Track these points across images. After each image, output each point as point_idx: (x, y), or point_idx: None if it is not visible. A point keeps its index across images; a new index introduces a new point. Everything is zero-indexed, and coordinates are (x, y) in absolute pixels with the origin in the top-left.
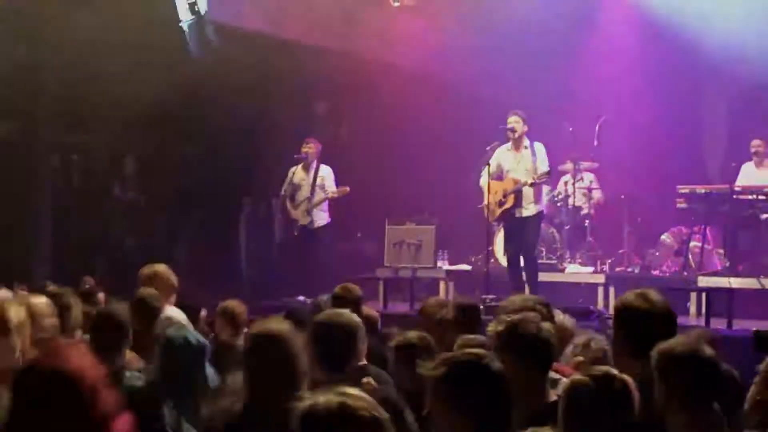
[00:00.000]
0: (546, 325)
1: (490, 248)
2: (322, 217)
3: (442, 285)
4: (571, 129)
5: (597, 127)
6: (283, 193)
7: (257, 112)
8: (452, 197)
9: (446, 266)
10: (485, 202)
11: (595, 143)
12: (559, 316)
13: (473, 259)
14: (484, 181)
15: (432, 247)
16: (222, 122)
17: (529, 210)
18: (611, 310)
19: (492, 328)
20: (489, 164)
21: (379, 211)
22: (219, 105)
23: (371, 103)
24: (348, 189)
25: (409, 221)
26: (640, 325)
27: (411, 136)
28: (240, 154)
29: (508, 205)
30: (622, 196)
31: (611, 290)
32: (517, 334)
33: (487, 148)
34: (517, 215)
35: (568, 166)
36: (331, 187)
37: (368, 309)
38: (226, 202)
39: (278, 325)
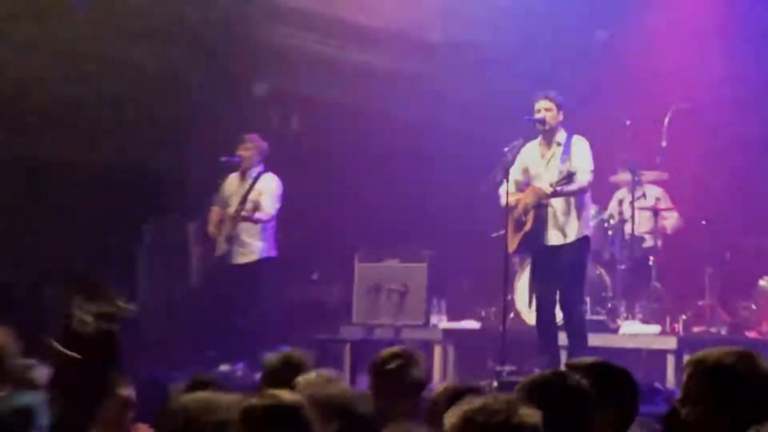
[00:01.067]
0: None
1: (510, 296)
2: (255, 249)
3: (437, 351)
4: (628, 122)
5: (666, 121)
6: (213, 207)
7: (167, 100)
8: (453, 221)
9: (444, 323)
10: (507, 226)
11: (663, 144)
12: None
13: (484, 313)
14: (502, 191)
15: (423, 295)
16: (109, 115)
17: (563, 234)
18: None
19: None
20: (508, 170)
21: (346, 241)
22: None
23: (335, 84)
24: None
25: (390, 257)
26: (744, 394)
27: (392, 133)
28: (138, 160)
29: (526, 228)
30: (704, 222)
31: (686, 360)
32: None
33: (505, 149)
34: (546, 242)
35: (624, 176)
36: (268, 205)
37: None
38: (118, 229)
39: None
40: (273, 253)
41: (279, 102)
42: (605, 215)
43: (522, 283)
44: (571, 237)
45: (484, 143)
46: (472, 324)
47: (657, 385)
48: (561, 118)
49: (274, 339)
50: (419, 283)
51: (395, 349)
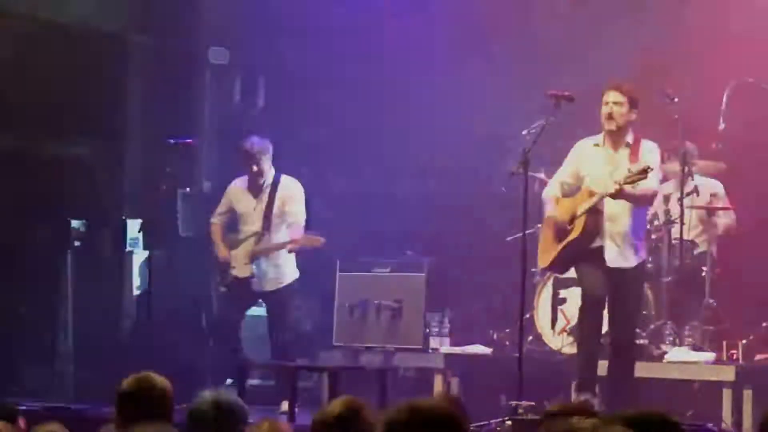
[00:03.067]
0: None
1: (528, 315)
2: (286, 273)
3: (438, 381)
4: (676, 99)
5: (725, 98)
6: (214, 221)
7: (104, 68)
8: (458, 222)
9: (446, 348)
10: (541, 235)
11: (721, 126)
12: None
13: (496, 336)
14: (548, 195)
15: (421, 314)
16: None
17: (620, 253)
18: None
19: None
20: (527, 155)
21: (325, 246)
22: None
23: (311, 50)
24: (321, 240)
25: (380, 265)
26: None
27: (382, 109)
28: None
29: (573, 236)
30: None
31: (747, 395)
32: None
33: (524, 132)
34: (609, 265)
35: (672, 167)
36: (298, 213)
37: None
38: (38, 226)
39: None
40: (298, 274)
41: (242, 72)
42: (648, 216)
43: (544, 299)
44: (632, 262)
45: (499, 125)
46: (480, 349)
47: (711, 426)
48: (634, 117)
49: (231, 368)
50: (416, 298)
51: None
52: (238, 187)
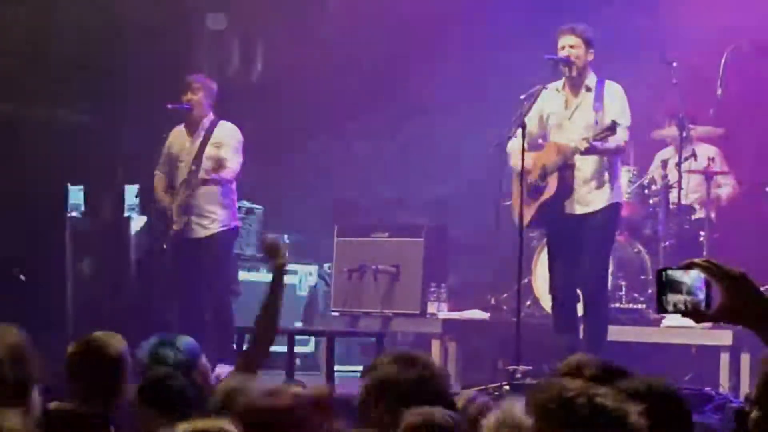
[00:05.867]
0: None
1: (526, 279)
2: (216, 218)
3: (436, 347)
4: (674, 64)
5: (722, 63)
6: (156, 173)
7: (96, 32)
8: (456, 186)
9: (444, 313)
10: (516, 191)
11: (719, 92)
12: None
13: (494, 301)
14: (513, 147)
15: (419, 279)
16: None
17: (591, 202)
18: (745, 394)
19: None
20: (524, 120)
21: (323, 211)
22: None
23: (309, 16)
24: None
25: (378, 231)
26: None
27: (380, 74)
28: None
29: (547, 195)
30: None
31: (744, 359)
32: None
33: (522, 97)
34: (569, 211)
35: (670, 132)
36: (231, 160)
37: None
38: (35, 196)
39: None
40: (235, 223)
41: (240, 38)
42: (645, 180)
43: (542, 263)
44: (599, 204)
45: (496, 88)
46: (478, 314)
47: (708, 390)
48: (591, 57)
49: (229, 330)
50: (414, 264)
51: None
52: (176, 129)
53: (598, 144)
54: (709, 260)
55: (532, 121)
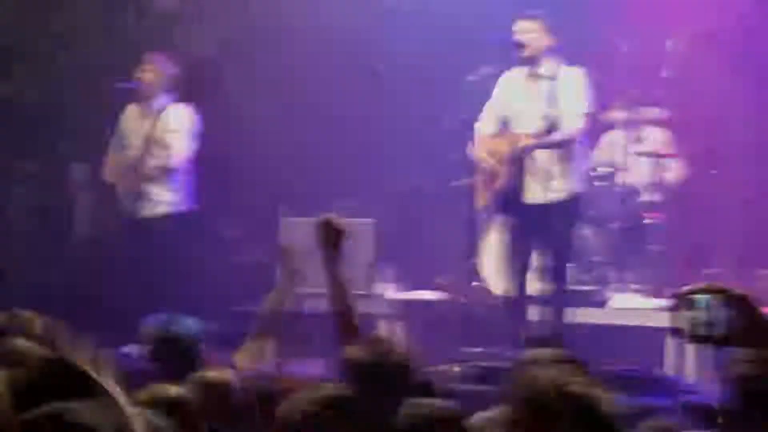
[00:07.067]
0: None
1: (474, 261)
2: (165, 200)
3: (382, 326)
4: (625, 49)
5: (669, 47)
6: (108, 152)
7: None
8: (405, 167)
9: (393, 293)
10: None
11: (665, 74)
12: None
13: (444, 282)
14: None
15: (366, 259)
16: None
17: (548, 191)
18: (690, 374)
19: None
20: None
21: (269, 190)
22: None
23: None
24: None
25: (325, 211)
26: None
27: (330, 53)
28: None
29: (499, 184)
30: (714, 172)
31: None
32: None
33: (469, 78)
34: (525, 201)
35: (618, 114)
36: (179, 146)
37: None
38: None
39: None
40: (186, 206)
41: (190, 16)
42: (592, 162)
43: (490, 245)
44: (560, 195)
45: (445, 69)
46: (429, 295)
47: (658, 372)
48: (548, 42)
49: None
50: (364, 245)
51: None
52: (130, 107)
53: (542, 141)
54: (712, 284)
55: (493, 107)
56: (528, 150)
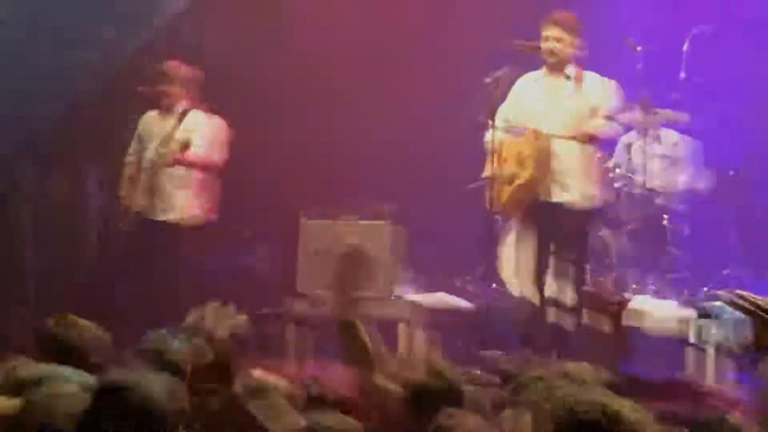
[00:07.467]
0: None
1: (493, 263)
2: (179, 202)
3: (402, 331)
4: (639, 48)
5: (685, 47)
6: (130, 158)
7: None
8: (422, 168)
9: (413, 296)
10: (486, 174)
11: (682, 75)
12: None
13: (462, 284)
14: (490, 137)
15: (385, 261)
16: None
17: (569, 192)
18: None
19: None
20: (494, 109)
21: (289, 192)
22: None
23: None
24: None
25: (347, 214)
26: None
27: (346, 55)
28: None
29: (522, 180)
30: (731, 173)
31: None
32: None
33: (487, 79)
34: (545, 199)
35: (634, 116)
36: (201, 145)
37: None
38: None
39: None
40: (210, 216)
41: (195, 13)
42: (610, 165)
43: (508, 247)
44: (576, 197)
45: (462, 71)
46: (445, 297)
47: (680, 376)
48: (573, 51)
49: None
50: (383, 247)
51: None
52: (149, 113)
53: (580, 133)
54: (741, 294)
55: (509, 111)
56: (552, 149)
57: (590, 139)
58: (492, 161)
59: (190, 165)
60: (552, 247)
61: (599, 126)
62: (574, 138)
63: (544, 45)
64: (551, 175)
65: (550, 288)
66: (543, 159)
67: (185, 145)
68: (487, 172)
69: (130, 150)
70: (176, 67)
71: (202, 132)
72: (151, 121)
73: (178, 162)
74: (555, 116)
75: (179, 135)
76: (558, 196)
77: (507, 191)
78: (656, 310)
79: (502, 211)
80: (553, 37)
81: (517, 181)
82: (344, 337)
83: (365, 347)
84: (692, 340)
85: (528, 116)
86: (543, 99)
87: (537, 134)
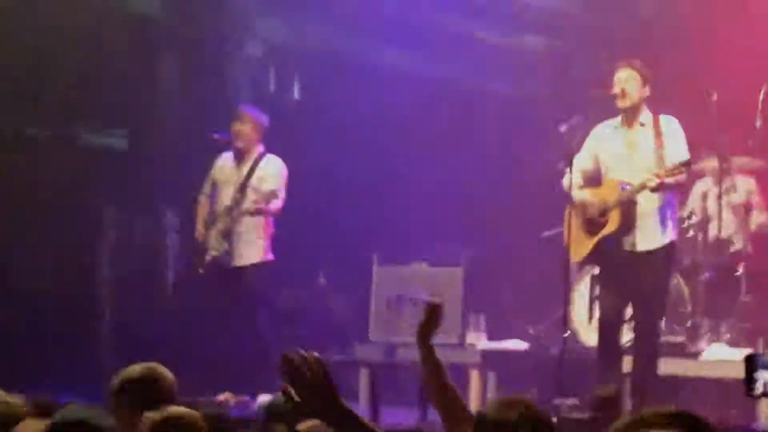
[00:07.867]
0: None
1: (566, 311)
2: (253, 249)
3: (474, 377)
4: (714, 97)
5: (761, 96)
6: (199, 199)
7: (129, 56)
8: (496, 216)
9: (484, 343)
10: (565, 225)
11: (758, 123)
12: None
13: (532, 331)
14: (567, 183)
15: (458, 308)
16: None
17: (649, 239)
18: None
19: None
20: (572, 157)
21: (362, 239)
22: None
23: (350, 39)
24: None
25: (418, 260)
26: None
27: (421, 102)
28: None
29: (608, 230)
30: None
31: None
32: None
33: (561, 129)
34: (627, 248)
35: (709, 163)
36: (278, 193)
37: None
38: (76, 213)
39: None
40: (270, 256)
41: (277, 62)
42: (684, 214)
43: (579, 295)
44: (658, 243)
45: (537, 120)
46: (519, 344)
47: (756, 426)
48: (647, 92)
49: (268, 361)
50: (453, 293)
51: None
52: (224, 157)
53: (667, 181)
54: None
55: (586, 159)
56: (656, 190)
57: (664, 187)
58: (570, 210)
59: (268, 213)
60: (632, 295)
61: (678, 169)
62: (654, 189)
63: (616, 88)
64: (633, 224)
65: (627, 337)
66: (629, 210)
67: (270, 196)
68: (565, 222)
69: (203, 190)
70: (250, 112)
71: (273, 177)
72: (224, 167)
73: (259, 212)
74: (634, 165)
75: (253, 183)
76: (641, 246)
77: (591, 241)
78: (730, 358)
79: (582, 259)
80: (625, 80)
81: (603, 232)
82: None
83: None
84: (759, 391)
85: (607, 165)
86: (621, 148)
87: (620, 183)
